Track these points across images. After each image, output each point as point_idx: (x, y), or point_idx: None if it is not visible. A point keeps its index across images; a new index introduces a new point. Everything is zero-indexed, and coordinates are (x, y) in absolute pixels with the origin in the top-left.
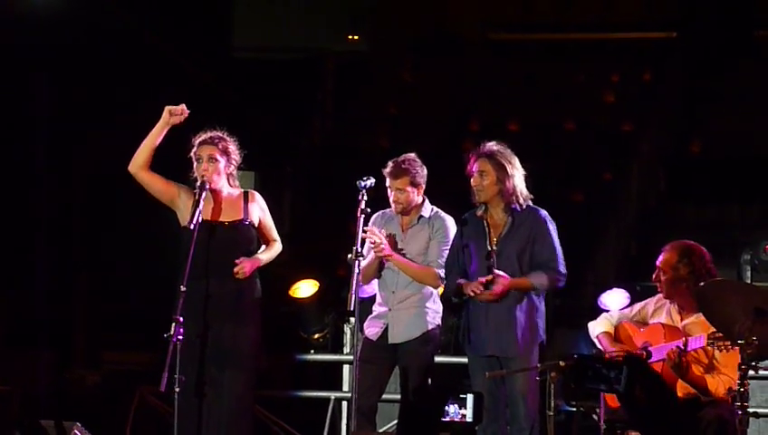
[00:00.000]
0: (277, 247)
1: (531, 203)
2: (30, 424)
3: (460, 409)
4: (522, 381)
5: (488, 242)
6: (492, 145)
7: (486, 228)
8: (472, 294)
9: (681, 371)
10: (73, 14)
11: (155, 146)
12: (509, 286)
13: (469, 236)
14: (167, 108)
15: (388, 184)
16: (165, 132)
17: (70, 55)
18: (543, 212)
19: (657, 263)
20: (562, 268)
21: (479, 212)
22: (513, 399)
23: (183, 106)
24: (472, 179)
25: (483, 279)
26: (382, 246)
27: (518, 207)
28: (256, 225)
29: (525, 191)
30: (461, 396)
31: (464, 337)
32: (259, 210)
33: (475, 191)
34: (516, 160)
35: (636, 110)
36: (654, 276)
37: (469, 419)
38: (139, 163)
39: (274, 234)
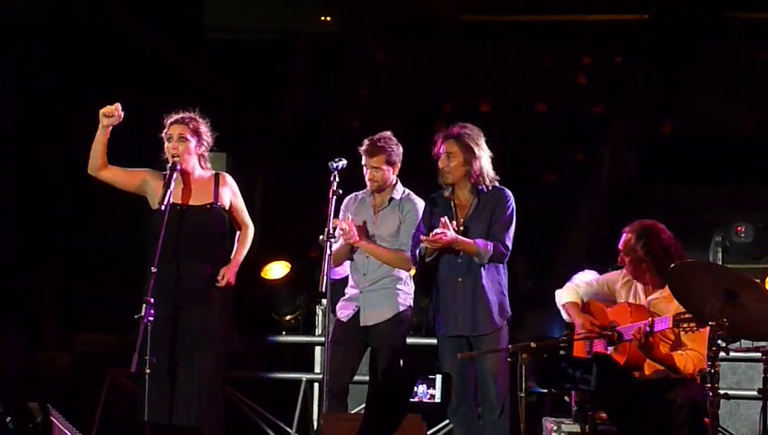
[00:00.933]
0: (250, 234)
1: (497, 184)
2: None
3: (429, 389)
4: (492, 360)
5: (456, 223)
6: (459, 127)
7: (453, 209)
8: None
9: (648, 350)
10: None
11: (103, 148)
12: (454, 240)
13: (437, 215)
14: (100, 111)
15: (363, 162)
16: (108, 133)
17: (39, 33)
18: (508, 192)
19: (619, 246)
20: (509, 243)
21: (446, 193)
22: (483, 379)
23: (117, 105)
24: (439, 161)
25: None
26: (351, 233)
27: (484, 188)
28: (227, 208)
29: (492, 173)
30: (430, 377)
31: (433, 318)
32: (230, 193)
33: (443, 173)
34: (483, 141)
35: (607, 91)
36: (619, 259)
37: (438, 399)
38: (95, 166)
39: (246, 217)
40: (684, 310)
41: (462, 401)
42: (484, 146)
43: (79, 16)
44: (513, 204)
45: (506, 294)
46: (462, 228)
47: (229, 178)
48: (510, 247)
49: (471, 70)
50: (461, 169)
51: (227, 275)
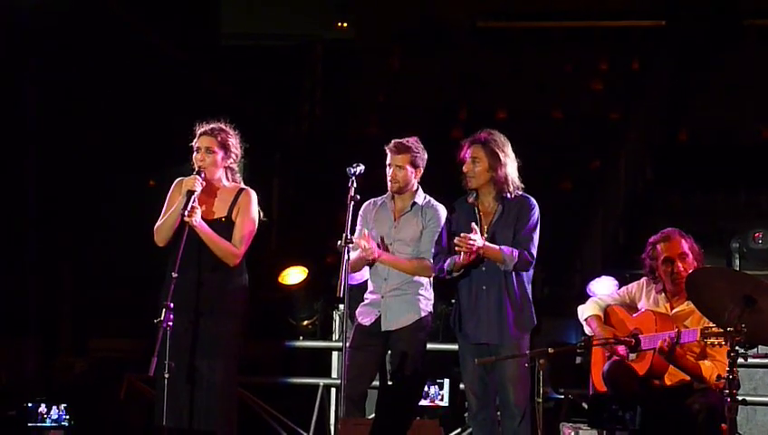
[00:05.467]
0: (229, 247)
1: (521, 191)
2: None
3: (440, 391)
4: (512, 367)
5: (480, 230)
6: (486, 132)
7: (478, 216)
8: (461, 245)
9: (675, 359)
10: (59, 2)
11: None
12: (482, 247)
13: (459, 223)
14: (186, 183)
15: (387, 161)
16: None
17: (57, 42)
18: (532, 200)
19: (684, 249)
20: (534, 251)
21: (470, 199)
22: (502, 385)
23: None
24: (464, 165)
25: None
26: (372, 250)
27: (509, 195)
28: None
29: (517, 181)
30: (438, 380)
31: (455, 324)
32: (239, 207)
33: (467, 177)
34: (509, 149)
35: (624, 98)
36: (673, 268)
37: (445, 403)
38: (167, 238)
39: (236, 240)
40: (712, 324)
41: (482, 406)
42: (511, 153)
43: (93, 25)
44: (538, 212)
45: (531, 302)
46: (487, 235)
47: (248, 196)
48: (535, 255)
49: (487, 77)
50: (485, 175)
51: (194, 212)
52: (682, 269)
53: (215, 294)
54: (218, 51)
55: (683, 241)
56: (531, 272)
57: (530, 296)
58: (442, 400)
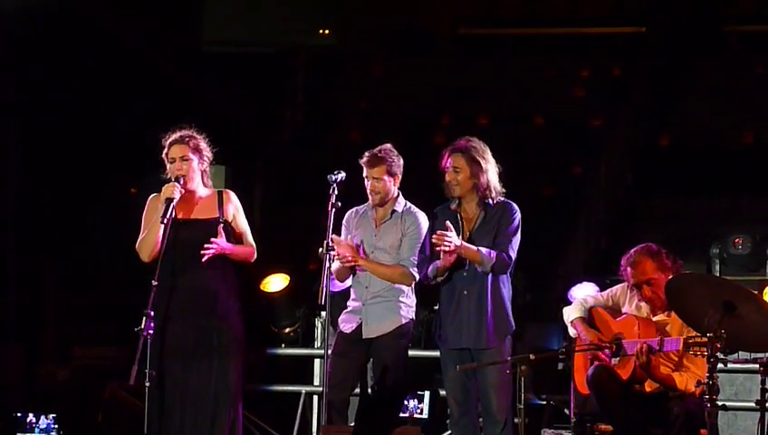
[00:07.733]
0: (253, 252)
1: (503, 197)
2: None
3: (419, 404)
4: (494, 374)
5: (462, 236)
6: (465, 140)
7: (460, 222)
8: (438, 242)
9: (648, 369)
10: (44, 7)
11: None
12: (460, 246)
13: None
14: (165, 190)
15: (364, 174)
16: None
17: (41, 47)
18: (514, 205)
19: (651, 275)
20: (513, 254)
21: (453, 206)
22: (484, 392)
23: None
24: (446, 175)
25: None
26: (349, 257)
27: (491, 202)
28: (231, 223)
29: (499, 186)
30: (419, 393)
31: (435, 330)
32: (234, 209)
33: (450, 186)
34: (490, 155)
35: (605, 104)
36: (642, 292)
37: (424, 416)
38: (152, 253)
39: (250, 239)
40: (694, 332)
41: (464, 412)
42: (491, 159)
43: (78, 32)
44: (519, 217)
45: (510, 308)
46: (467, 241)
47: (233, 196)
48: (513, 258)
49: (469, 83)
50: (468, 183)
51: (218, 243)
52: (651, 294)
53: (202, 298)
54: (201, 57)
55: (651, 263)
56: (508, 277)
57: (509, 301)
58: (421, 413)
